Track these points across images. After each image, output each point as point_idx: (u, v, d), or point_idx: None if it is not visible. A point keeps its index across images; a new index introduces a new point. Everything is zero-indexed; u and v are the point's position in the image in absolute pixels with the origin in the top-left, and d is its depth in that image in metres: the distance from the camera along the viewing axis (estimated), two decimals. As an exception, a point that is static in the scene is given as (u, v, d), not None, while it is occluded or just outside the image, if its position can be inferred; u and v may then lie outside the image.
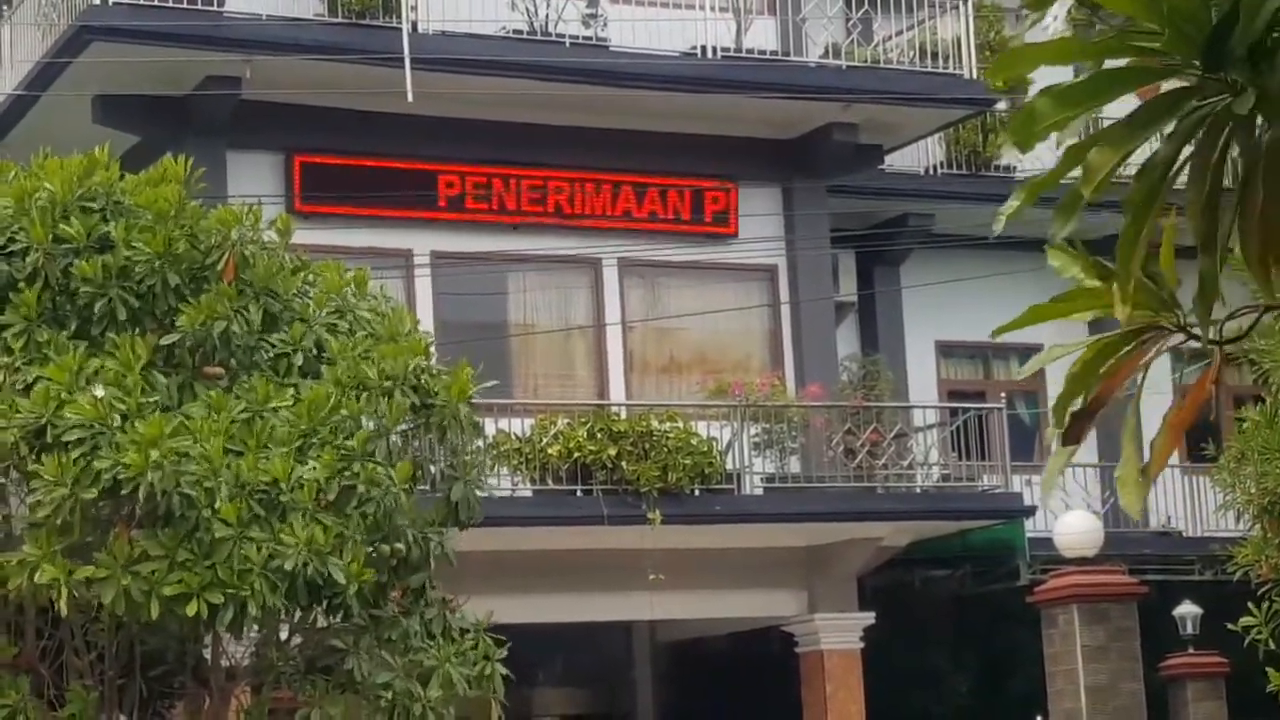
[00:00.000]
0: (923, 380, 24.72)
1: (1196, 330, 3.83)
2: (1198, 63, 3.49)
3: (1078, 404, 4.00)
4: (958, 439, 21.89)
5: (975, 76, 22.03)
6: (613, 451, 19.55)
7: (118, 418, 10.75)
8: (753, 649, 23.46)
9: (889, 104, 21.95)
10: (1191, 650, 22.50)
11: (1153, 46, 3.53)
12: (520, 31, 20.62)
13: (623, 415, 20.31)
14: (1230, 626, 15.12)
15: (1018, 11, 23.13)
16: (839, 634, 21.65)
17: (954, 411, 22.34)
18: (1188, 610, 22.75)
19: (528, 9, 20.69)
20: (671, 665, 25.12)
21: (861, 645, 21.71)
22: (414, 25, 19.84)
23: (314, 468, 11.09)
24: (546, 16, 20.76)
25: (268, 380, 11.50)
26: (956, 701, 24.18)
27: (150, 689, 12.41)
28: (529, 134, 21.11)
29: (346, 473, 11.17)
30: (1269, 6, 3.36)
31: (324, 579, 10.92)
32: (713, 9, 21.62)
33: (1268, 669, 13.54)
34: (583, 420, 19.87)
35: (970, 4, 22.74)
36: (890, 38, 22.81)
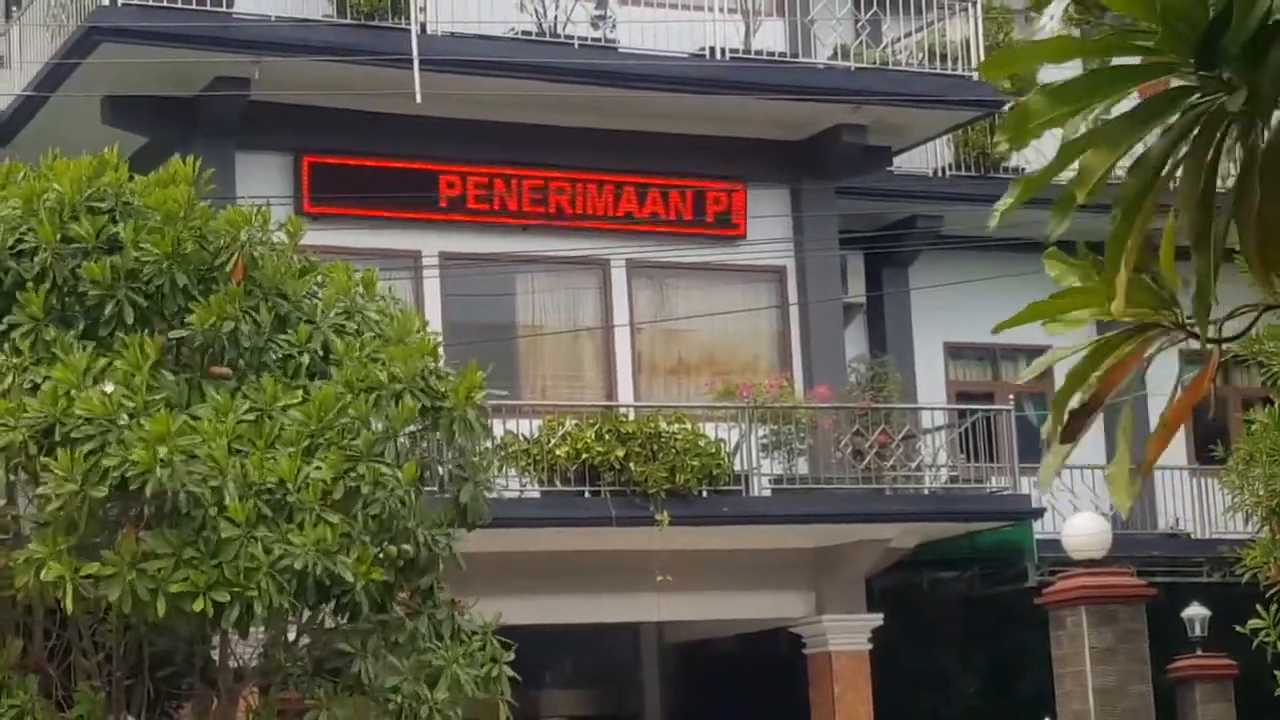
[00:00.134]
0: (931, 382, 24.71)
1: (1197, 329, 3.83)
2: (1193, 61, 3.50)
3: (1076, 401, 4.00)
4: (966, 440, 21.89)
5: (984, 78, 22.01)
6: (621, 453, 19.56)
7: (125, 416, 10.76)
8: (761, 650, 23.45)
9: (898, 106, 21.94)
10: (1200, 652, 22.47)
11: (1148, 45, 3.54)
12: (529, 33, 20.62)
13: (631, 416, 20.32)
14: (1239, 629, 15.11)
15: (1026, 13, 23.11)
16: (847, 635, 21.64)
17: (962, 413, 22.34)
18: (1196, 612, 22.73)
19: (536, 10, 20.70)
20: (679, 666, 25.12)
21: (869, 647, 21.70)
22: (423, 26, 19.85)
23: (320, 468, 11.09)
24: (555, 18, 20.76)
25: (276, 381, 11.51)
26: (965, 703, 24.16)
27: (158, 690, 12.41)
28: (537, 135, 21.12)
29: (352, 473, 11.17)
30: (1262, 4, 3.36)
31: (332, 578, 10.93)
32: (721, 10, 21.62)
33: (1276, 671, 13.52)
34: (591, 421, 19.87)
35: (979, 6, 22.74)
36: (899, 39, 22.80)
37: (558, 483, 19.62)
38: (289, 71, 19.25)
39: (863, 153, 22.45)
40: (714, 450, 20.01)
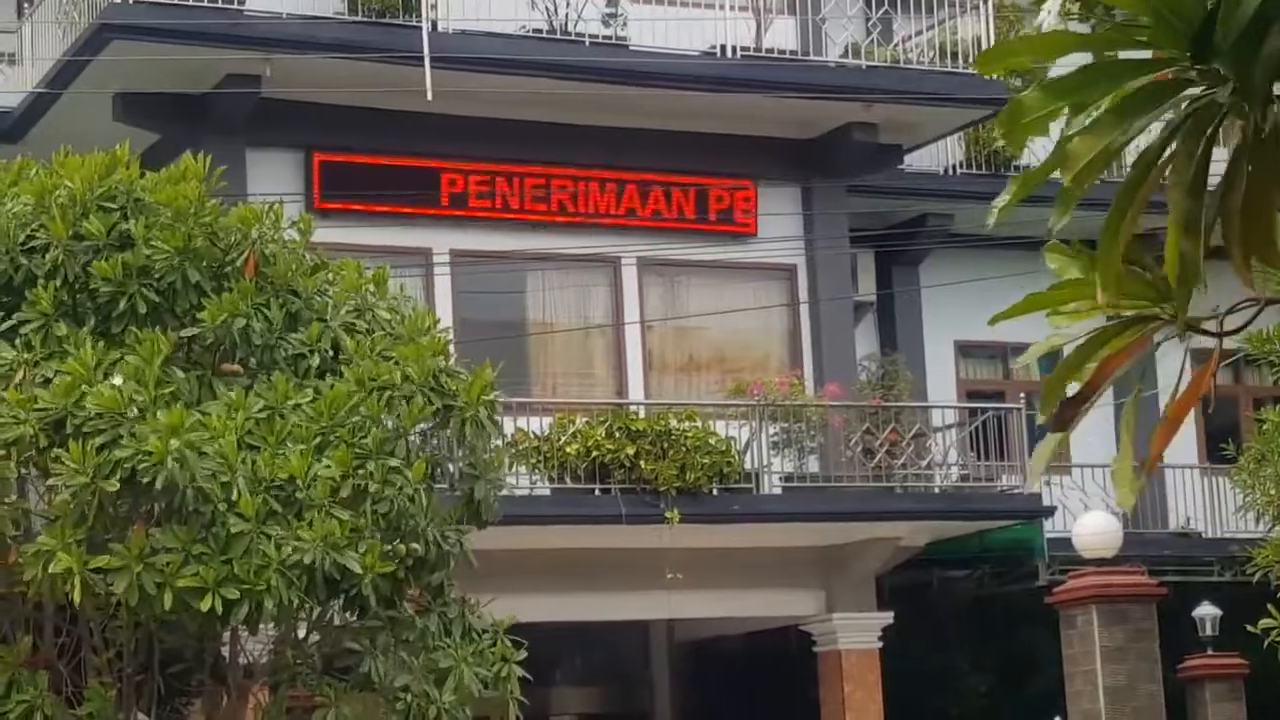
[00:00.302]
0: (941, 380, 24.69)
1: (1198, 324, 3.83)
2: (1187, 54, 3.50)
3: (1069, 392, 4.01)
4: (976, 439, 21.87)
5: (995, 77, 21.99)
6: (631, 450, 19.55)
7: (136, 410, 10.77)
8: (771, 648, 23.44)
9: (909, 104, 21.93)
10: (1211, 651, 22.45)
11: (1144, 39, 3.54)
12: (540, 31, 20.63)
13: (641, 414, 20.31)
14: (1250, 628, 15.10)
15: (1034, 9, 23.07)
16: (857, 634, 21.64)
17: (973, 411, 22.32)
18: (1207, 611, 22.70)
19: (547, 8, 20.70)
20: (689, 664, 25.12)
21: (880, 645, 21.69)
22: (434, 24, 19.86)
23: (329, 465, 11.10)
24: (566, 15, 20.76)
25: (287, 379, 11.51)
26: (975, 702, 24.16)
27: (168, 686, 12.42)
28: (548, 133, 21.12)
29: (360, 471, 11.18)
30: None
31: (341, 572, 10.94)
32: (733, 8, 21.61)
33: (1287, 671, 13.54)
34: (601, 419, 19.86)
35: (990, 4, 22.72)
36: (910, 37, 22.79)
37: (568, 480, 19.63)
38: (300, 69, 19.26)
39: (873, 151, 22.44)
40: (724, 448, 20.01)
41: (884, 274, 24.33)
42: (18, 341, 11.39)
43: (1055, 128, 3.77)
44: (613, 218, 21.59)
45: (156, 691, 12.22)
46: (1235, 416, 25.58)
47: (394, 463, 11.31)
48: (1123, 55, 3.64)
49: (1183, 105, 3.60)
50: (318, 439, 11.22)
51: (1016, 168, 24.51)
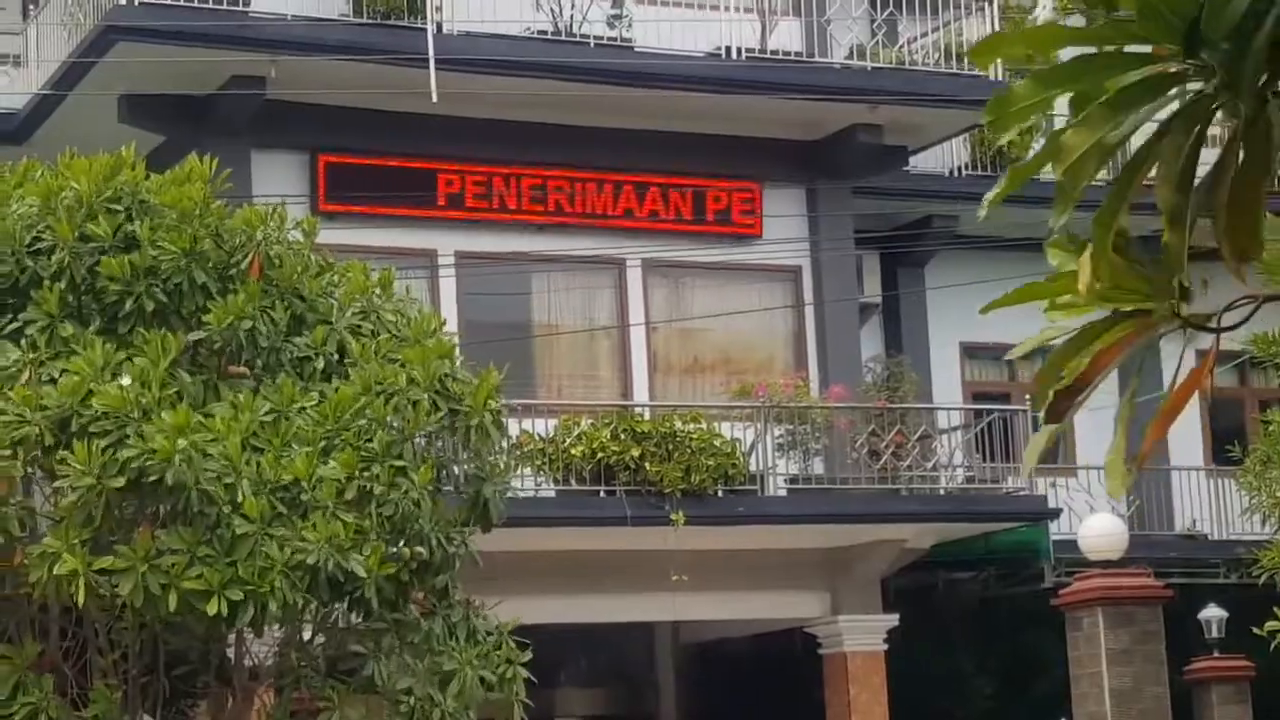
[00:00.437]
0: (947, 382, 24.67)
1: (1195, 320, 3.83)
2: (1179, 48, 3.50)
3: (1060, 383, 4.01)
4: (982, 441, 21.85)
5: (1001, 78, 21.98)
6: (636, 452, 19.54)
7: (141, 411, 10.76)
8: (776, 650, 23.43)
9: (914, 105, 21.91)
10: (1217, 654, 22.42)
11: (1138, 33, 3.54)
12: (545, 32, 20.62)
13: (646, 416, 20.30)
14: (1256, 630, 15.08)
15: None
16: (862, 636, 21.62)
17: (978, 413, 22.30)
18: (1213, 614, 22.68)
19: (552, 9, 20.69)
20: (694, 666, 25.11)
21: (885, 647, 21.67)
22: (439, 26, 19.86)
23: (334, 467, 11.10)
24: (571, 17, 20.76)
25: (292, 382, 11.51)
26: (980, 704, 24.13)
27: (174, 688, 12.42)
28: (553, 134, 21.11)
29: (365, 474, 11.17)
30: None
31: (345, 574, 10.93)
32: (737, 10, 21.60)
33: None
34: (606, 421, 19.85)
35: (996, 5, 22.70)
36: (915, 39, 22.78)
37: (573, 482, 19.62)
38: (305, 70, 19.26)
39: (879, 152, 22.42)
40: (729, 450, 20.00)
41: (889, 275, 24.31)
42: (23, 342, 11.39)
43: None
44: (617, 219, 21.58)
45: (161, 693, 12.22)
46: (1241, 418, 25.57)
47: (400, 463, 11.30)
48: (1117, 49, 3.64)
49: (1174, 99, 3.60)
50: (323, 442, 11.21)
51: (1021, 169, 24.46)
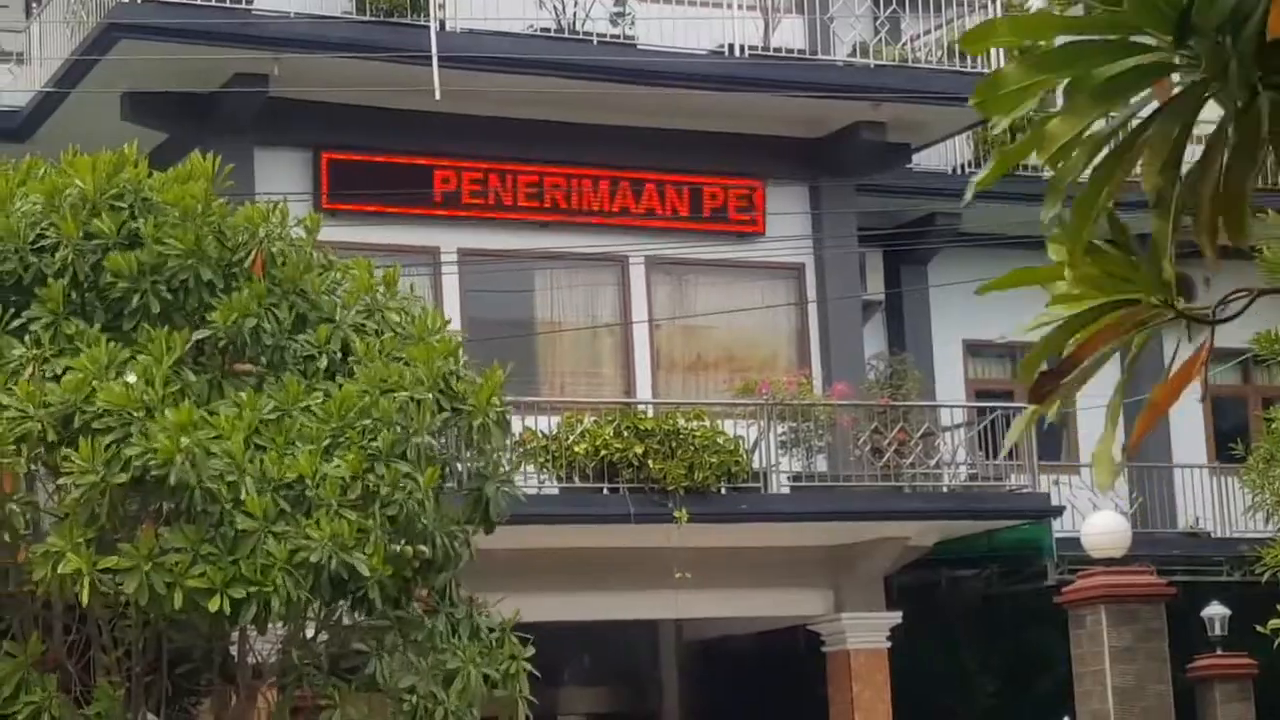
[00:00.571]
0: (950, 379, 24.67)
1: (1193, 313, 3.83)
2: (1170, 37, 3.50)
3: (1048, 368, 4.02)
4: (985, 438, 21.85)
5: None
6: (639, 449, 19.55)
7: (144, 408, 10.77)
8: (779, 648, 23.43)
9: (917, 103, 21.91)
10: (1220, 652, 22.42)
11: (1130, 21, 3.54)
12: (548, 30, 20.62)
13: (649, 413, 20.31)
14: (1259, 628, 15.08)
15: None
16: (866, 633, 21.62)
17: (981, 411, 22.29)
18: (1216, 611, 22.68)
19: (555, 7, 20.69)
20: (697, 664, 25.11)
21: (888, 645, 21.67)
22: (442, 23, 19.86)
23: (339, 465, 11.10)
24: (574, 15, 20.76)
25: (297, 380, 11.51)
26: (983, 701, 24.13)
27: (177, 686, 12.42)
28: (556, 132, 21.11)
29: (370, 474, 11.17)
30: None
31: (348, 572, 10.93)
32: (740, 7, 21.60)
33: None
34: (609, 418, 19.86)
35: (999, 2, 22.70)
36: (918, 36, 22.78)
37: (576, 479, 19.62)
38: (308, 68, 19.26)
39: (882, 150, 22.42)
40: (733, 447, 20.00)
41: (892, 273, 24.31)
42: (27, 338, 11.40)
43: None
44: (620, 217, 21.58)
45: (165, 691, 12.23)
46: (1244, 416, 25.56)
47: (405, 468, 11.29)
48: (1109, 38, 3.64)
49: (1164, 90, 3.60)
50: (327, 440, 11.21)
51: (1025, 167, 24.46)
